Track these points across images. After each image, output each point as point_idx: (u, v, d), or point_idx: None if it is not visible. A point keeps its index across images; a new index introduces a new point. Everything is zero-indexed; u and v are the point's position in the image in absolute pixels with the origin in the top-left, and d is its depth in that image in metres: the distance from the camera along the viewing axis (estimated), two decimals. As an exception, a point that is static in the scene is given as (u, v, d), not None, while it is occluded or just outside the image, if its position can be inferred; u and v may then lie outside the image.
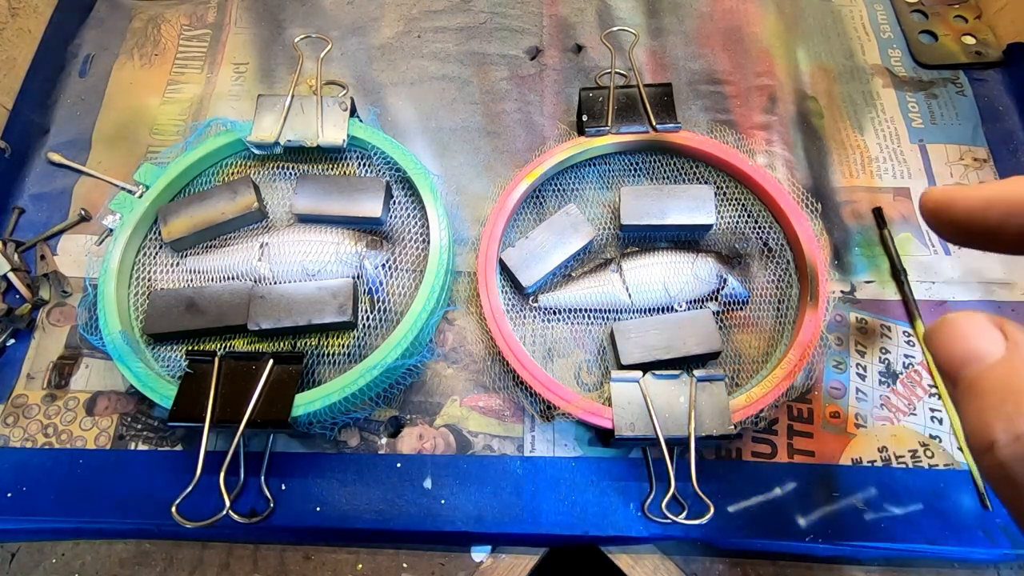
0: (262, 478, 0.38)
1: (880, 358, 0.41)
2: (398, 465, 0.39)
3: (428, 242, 0.41)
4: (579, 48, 0.54)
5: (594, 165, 0.46)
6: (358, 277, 0.41)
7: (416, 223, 0.43)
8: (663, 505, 0.35)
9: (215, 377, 0.36)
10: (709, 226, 0.42)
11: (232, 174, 0.46)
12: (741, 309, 0.41)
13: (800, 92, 0.51)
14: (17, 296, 0.44)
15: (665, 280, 0.41)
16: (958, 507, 0.37)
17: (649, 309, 0.41)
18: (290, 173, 0.46)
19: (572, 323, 0.41)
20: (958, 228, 0.20)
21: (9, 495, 0.38)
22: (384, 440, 0.40)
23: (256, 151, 0.45)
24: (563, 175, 0.46)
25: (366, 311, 0.41)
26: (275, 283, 0.41)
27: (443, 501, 0.38)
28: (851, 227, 0.45)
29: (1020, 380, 0.16)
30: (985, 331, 0.17)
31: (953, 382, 0.18)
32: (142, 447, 0.40)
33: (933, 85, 0.51)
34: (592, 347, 0.41)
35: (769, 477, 0.38)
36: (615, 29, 0.52)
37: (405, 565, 0.38)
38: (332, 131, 0.44)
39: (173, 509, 0.34)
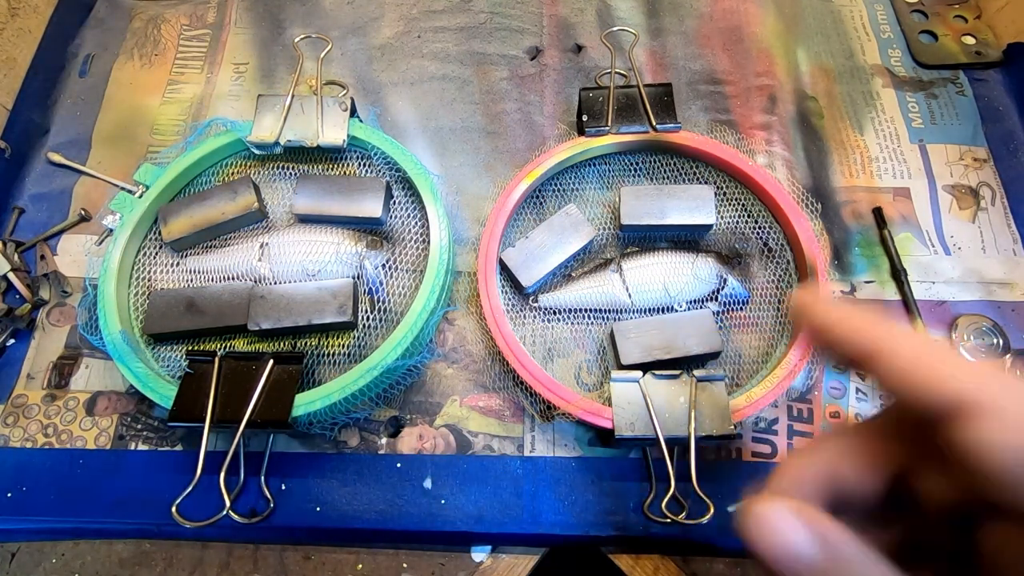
0: (262, 478, 0.38)
1: (880, 358, 0.41)
2: (398, 465, 0.39)
3: (428, 242, 0.41)
4: (579, 48, 0.54)
5: (594, 165, 0.46)
6: (358, 277, 0.41)
7: (416, 223, 0.43)
8: (663, 505, 0.35)
9: (215, 377, 0.36)
10: (709, 226, 0.42)
11: (232, 174, 0.46)
12: (741, 309, 0.41)
13: (800, 92, 0.51)
14: (17, 296, 0.44)
15: (665, 280, 0.41)
16: (958, 507, 0.37)
17: (649, 309, 0.41)
18: (290, 173, 0.46)
19: (572, 323, 0.41)
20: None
21: (9, 495, 0.38)
22: (384, 440, 0.40)
23: (256, 151, 0.45)
24: (563, 175, 0.46)
25: (366, 311, 0.41)
26: (275, 283, 0.41)
27: (443, 501, 0.38)
28: (851, 227, 0.45)
29: None
30: (795, 529, 0.19)
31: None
32: (142, 447, 0.40)
33: (933, 85, 0.51)
34: (592, 347, 0.41)
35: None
36: (615, 29, 0.52)
37: (405, 565, 0.38)
38: (332, 131, 0.44)
39: (173, 509, 0.34)
